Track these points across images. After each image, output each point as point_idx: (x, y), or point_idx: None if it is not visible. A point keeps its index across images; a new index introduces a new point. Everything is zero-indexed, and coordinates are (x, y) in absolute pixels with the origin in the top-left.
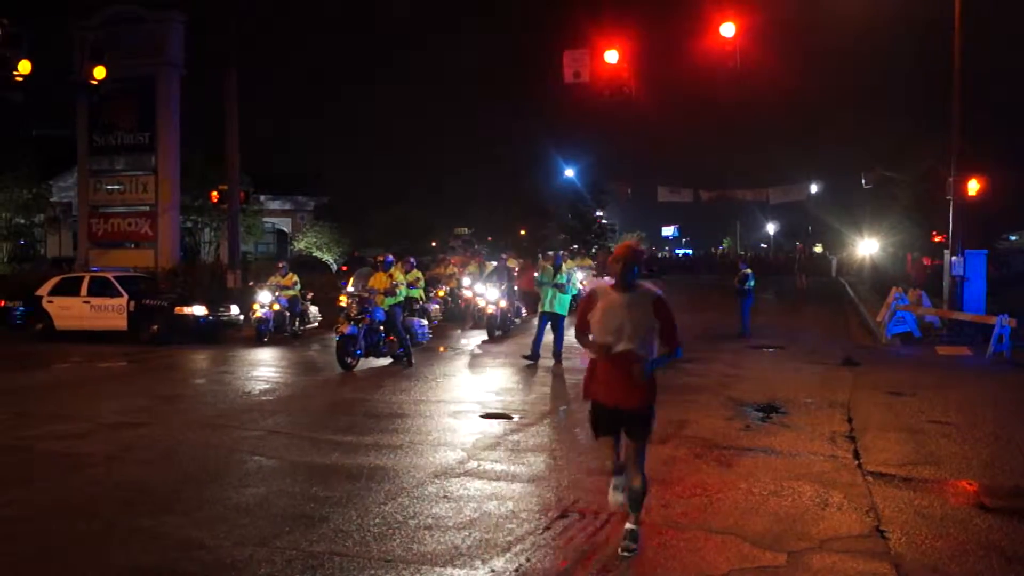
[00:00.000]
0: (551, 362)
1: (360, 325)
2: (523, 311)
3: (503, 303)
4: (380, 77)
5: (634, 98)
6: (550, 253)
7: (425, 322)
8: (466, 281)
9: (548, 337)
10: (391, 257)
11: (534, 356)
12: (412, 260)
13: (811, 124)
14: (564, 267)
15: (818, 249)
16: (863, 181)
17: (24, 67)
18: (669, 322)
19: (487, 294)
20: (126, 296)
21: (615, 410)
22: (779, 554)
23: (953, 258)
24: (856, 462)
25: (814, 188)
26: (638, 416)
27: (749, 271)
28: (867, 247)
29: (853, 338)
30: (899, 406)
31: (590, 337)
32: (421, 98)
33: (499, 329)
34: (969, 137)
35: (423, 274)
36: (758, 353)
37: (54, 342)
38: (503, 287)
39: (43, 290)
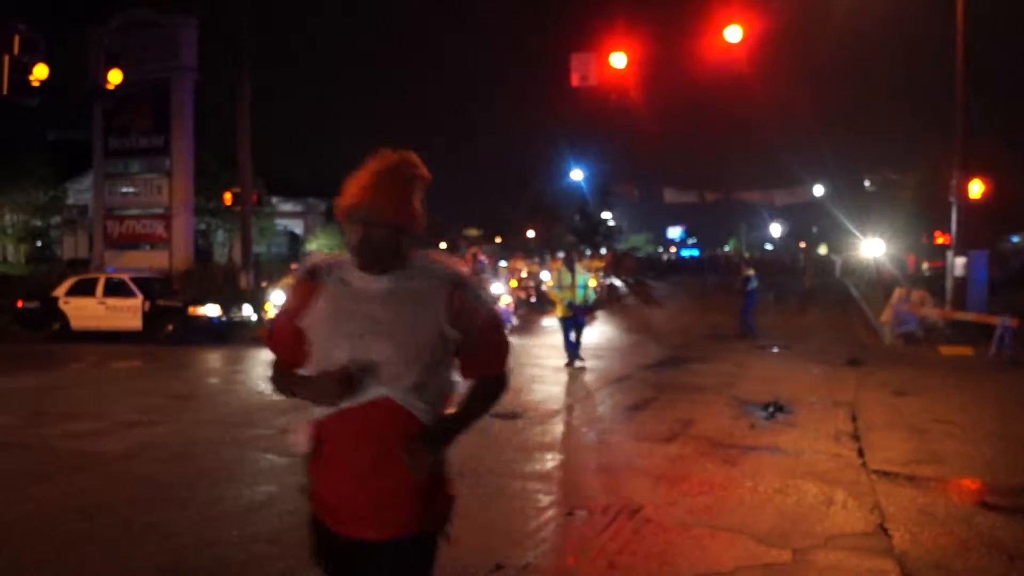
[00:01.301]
0: (560, 362)
1: None
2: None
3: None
4: (391, 79)
5: (639, 102)
6: (559, 255)
7: None
8: None
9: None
10: None
11: (571, 358)
12: None
13: (816, 126)
14: (578, 268)
15: (823, 251)
16: (866, 183)
17: (40, 72)
18: (486, 330)
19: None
20: (141, 297)
21: (356, 543)
22: (784, 551)
23: (956, 259)
24: (860, 460)
25: (819, 190)
26: (404, 552)
27: (751, 272)
28: (871, 248)
29: (857, 338)
30: (903, 405)
31: (297, 370)
32: (431, 99)
33: None
34: (972, 139)
35: None
36: (763, 353)
37: (70, 342)
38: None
39: (59, 291)
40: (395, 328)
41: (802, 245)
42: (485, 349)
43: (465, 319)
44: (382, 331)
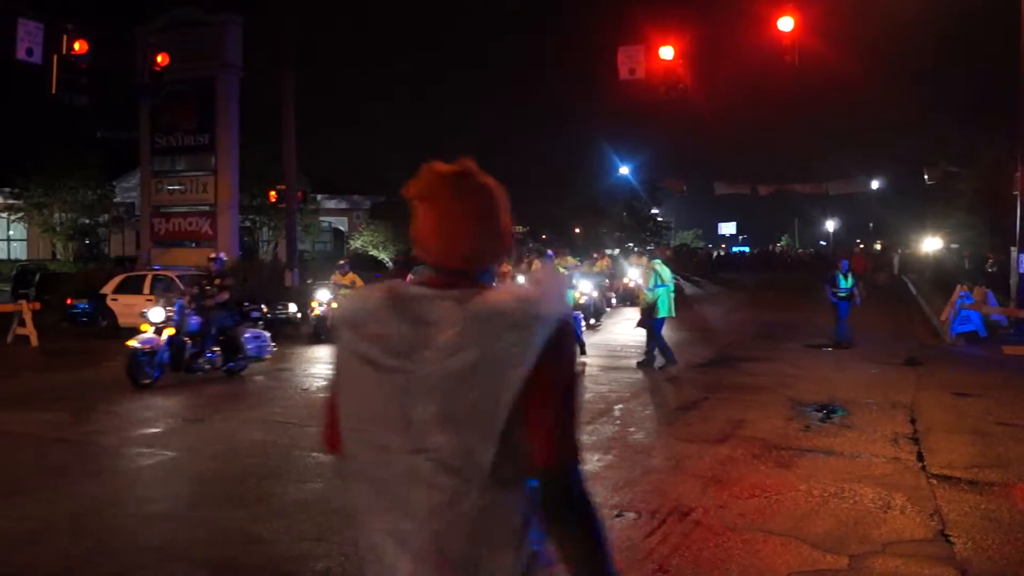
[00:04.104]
0: (601, 360)
1: None
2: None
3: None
4: (436, 74)
5: (689, 94)
6: (607, 252)
7: None
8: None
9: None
10: None
11: (671, 360)
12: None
13: (873, 118)
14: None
15: (879, 246)
16: (925, 176)
17: (88, 70)
18: (559, 404)
19: (580, 286)
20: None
21: None
22: (840, 557)
23: (1020, 255)
24: (920, 464)
25: (875, 183)
26: None
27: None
28: (930, 244)
29: (916, 337)
30: (964, 407)
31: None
32: (477, 96)
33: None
34: None
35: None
36: (818, 352)
37: (118, 339)
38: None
39: (107, 288)
40: (455, 404)
41: (861, 245)
42: (546, 432)
43: (547, 391)
44: (429, 410)
